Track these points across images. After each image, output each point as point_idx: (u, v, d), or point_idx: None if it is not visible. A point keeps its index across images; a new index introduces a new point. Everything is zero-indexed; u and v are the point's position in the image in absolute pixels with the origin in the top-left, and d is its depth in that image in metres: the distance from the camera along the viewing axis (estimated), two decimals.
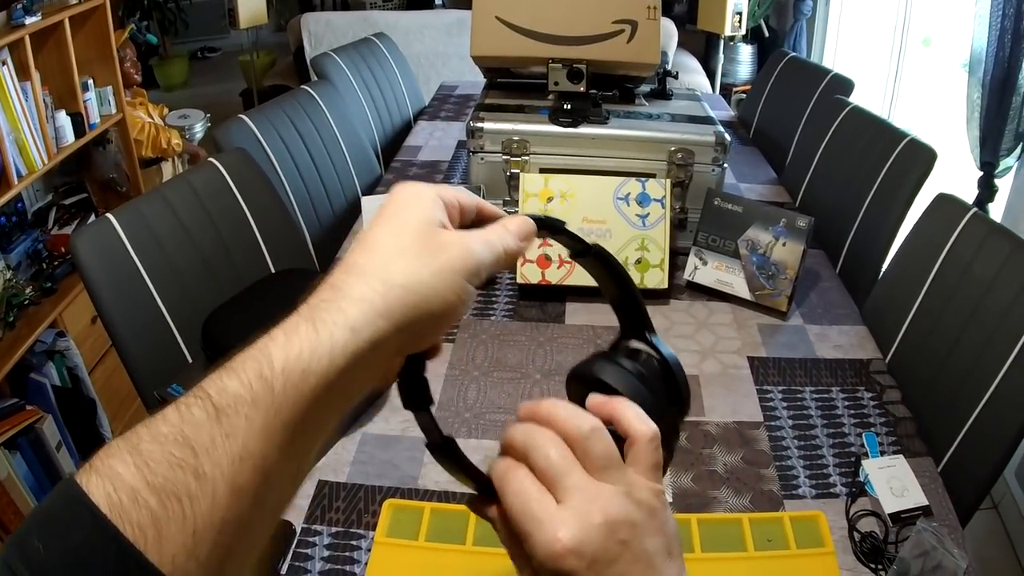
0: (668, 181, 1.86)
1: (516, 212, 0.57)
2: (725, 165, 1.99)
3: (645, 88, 2.29)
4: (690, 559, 1.17)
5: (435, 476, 1.32)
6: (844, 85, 2.77)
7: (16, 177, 2.65)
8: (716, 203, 1.86)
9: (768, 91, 3.21)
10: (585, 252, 0.57)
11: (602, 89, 2.12)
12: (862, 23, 4.90)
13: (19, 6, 2.71)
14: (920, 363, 1.71)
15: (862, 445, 1.41)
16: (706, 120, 2.07)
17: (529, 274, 1.81)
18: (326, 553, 1.19)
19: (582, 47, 2.02)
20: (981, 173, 2.91)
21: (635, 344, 0.61)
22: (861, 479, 1.32)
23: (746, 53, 5.63)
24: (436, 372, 1.59)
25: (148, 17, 7.11)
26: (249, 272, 1.86)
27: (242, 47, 6.68)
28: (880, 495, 1.28)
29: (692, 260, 1.87)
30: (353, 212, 2.55)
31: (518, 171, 1.98)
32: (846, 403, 1.52)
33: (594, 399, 0.53)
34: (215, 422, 0.39)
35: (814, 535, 1.21)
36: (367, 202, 1.92)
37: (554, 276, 1.80)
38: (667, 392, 0.57)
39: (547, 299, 1.84)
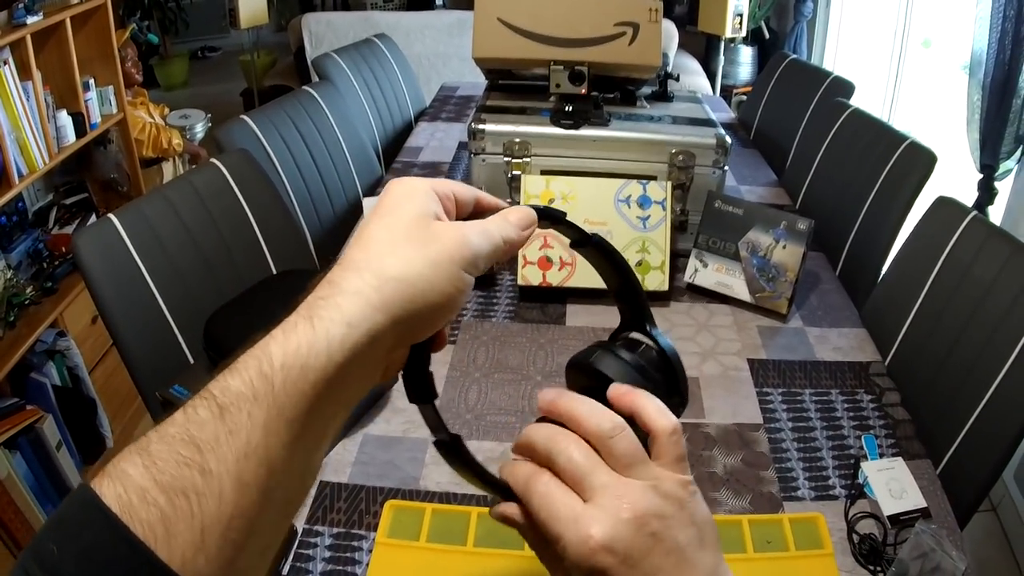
0: (669, 183, 1.86)
1: (514, 203, 0.57)
2: (726, 167, 2.00)
3: (646, 90, 2.29)
4: None
5: (436, 477, 1.32)
6: (844, 87, 2.77)
7: (17, 176, 2.66)
8: (717, 205, 1.86)
9: (768, 93, 3.22)
10: (585, 242, 0.57)
11: (603, 91, 2.12)
12: (862, 25, 4.90)
13: (20, 5, 2.71)
14: (920, 365, 1.72)
15: (861, 447, 1.42)
16: (707, 122, 2.08)
17: (530, 276, 1.81)
18: (327, 554, 1.19)
19: (584, 49, 2.02)
20: (981, 176, 2.92)
21: (634, 335, 0.61)
22: (860, 481, 1.32)
23: (746, 55, 5.63)
24: (437, 373, 1.57)
25: (149, 17, 7.12)
26: (250, 272, 1.87)
27: (242, 47, 6.69)
28: (879, 497, 1.28)
29: (692, 262, 1.88)
30: (354, 213, 2.56)
31: (519, 173, 1.99)
32: (845, 405, 1.53)
33: (615, 391, 0.53)
34: (219, 420, 0.39)
35: (813, 537, 1.21)
36: (368, 203, 1.93)
37: (555, 278, 1.80)
38: (665, 384, 0.57)
39: (548, 301, 1.84)
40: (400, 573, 1.16)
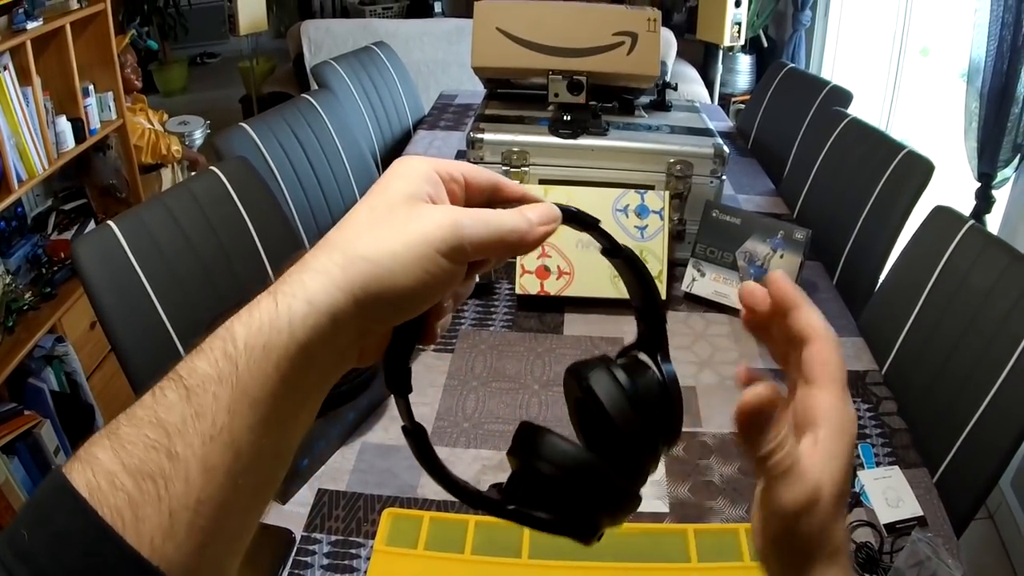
0: (667, 193, 1.87)
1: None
2: (723, 177, 2.00)
3: (644, 99, 2.30)
4: (687, 569, 1.18)
5: (434, 485, 1.31)
6: (842, 96, 2.78)
7: (16, 182, 2.66)
8: (714, 215, 1.87)
9: (767, 102, 3.23)
10: (616, 253, 0.55)
11: (602, 100, 2.13)
12: (861, 33, 4.92)
13: (21, 10, 2.72)
14: (917, 373, 1.72)
15: (858, 456, 1.42)
16: (705, 132, 2.09)
17: (528, 285, 1.81)
18: (325, 561, 1.20)
19: (582, 59, 2.03)
20: (979, 184, 2.93)
21: (642, 356, 0.60)
22: (856, 490, 1.33)
23: (745, 63, 5.64)
24: (435, 382, 1.60)
25: (148, 22, 7.13)
26: (249, 280, 1.87)
27: (241, 53, 6.69)
28: (875, 506, 1.29)
29: (690, 272, 1.88)
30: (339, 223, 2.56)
31: (518, 182, 1.99)
32: None
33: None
34: (186, 402, 0.39)
35: None
36: None
37: (553, 287, 1.81)
38: (659, 417, 0.54)
39: (545, 310, 1.85)
40: None
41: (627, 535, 1.21)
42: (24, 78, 2.74)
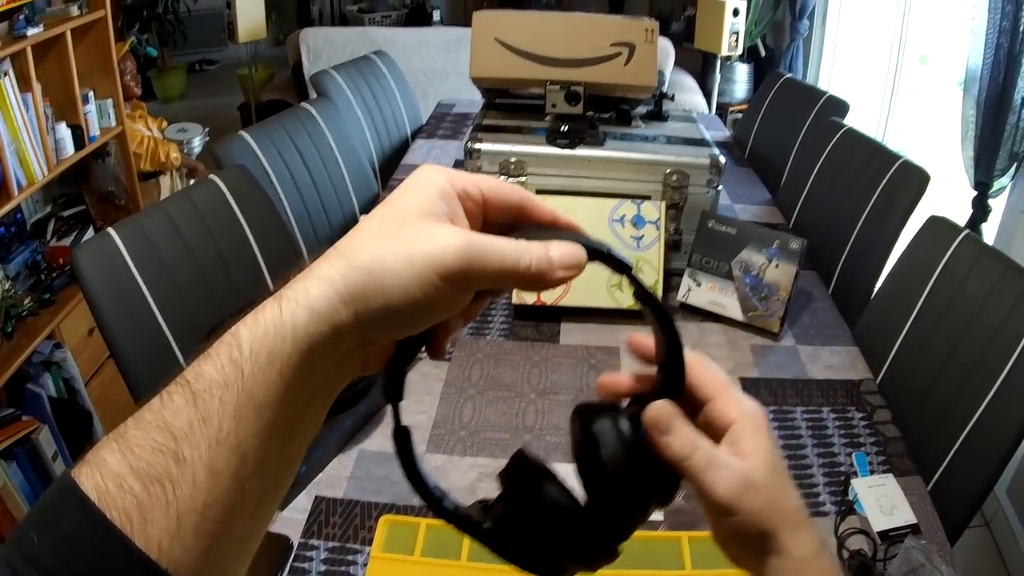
0: (663, 203, 1.88)
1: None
2: (720, 187, 2.02)
3: (642, 109, 2.32)
4: None
5: (448, 505, 1.33)
6: (839, 107, 2.80)
7: (16, 188, 2.67)
8: (710, 225, 1.88)
9: (763, 112, 3.24)
10: (645, 301, 0.53)
11: (599, 111, 2.15)
12: (858, 42, 4.94)
13: (21, 17, 2.73)
14: (912, 381, 1.73)
15: (852, 464, 1.43)
16: (701, 142, 2.10)
17: (524, 294, 1.83)
18: (322, 568, 1.20)
19: (580, 69, 2.05)
20: (975, 193, 2.94)
21: None
22: (850, 498, 1.34)
23: (743, 72, 5.65)
24: (432, 390, 1.61)
25: (147, 29, 7.14)
26: (248, 288, 1.88)
27: (240, 60, 6.70)
28: (869, 513, 1.30)
29: (686, 281, 1.89)
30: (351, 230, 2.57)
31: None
32: (836, 423, 1.55)
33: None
34: (192, 407, 0.39)
35: None
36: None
37: (549, 297, 1.82)
38: (658, 478, 0.53)
39: (542, 319, 1.86)
40: None
41: None
42: (24, 84, 2.75)
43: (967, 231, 1.79)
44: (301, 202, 2.44)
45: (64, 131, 3.02)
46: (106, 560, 0.36)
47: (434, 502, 0.52)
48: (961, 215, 2.95)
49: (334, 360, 0.43)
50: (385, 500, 1.33)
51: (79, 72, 3.11)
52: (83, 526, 0.37)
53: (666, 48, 4.89)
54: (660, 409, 0.52)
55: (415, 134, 3.40)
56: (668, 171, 1.98)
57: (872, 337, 1.88)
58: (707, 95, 5.25)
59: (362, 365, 0.46)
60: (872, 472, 1.41)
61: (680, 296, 1.89)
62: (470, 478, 1.38)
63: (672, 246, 2.02)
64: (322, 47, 4.87)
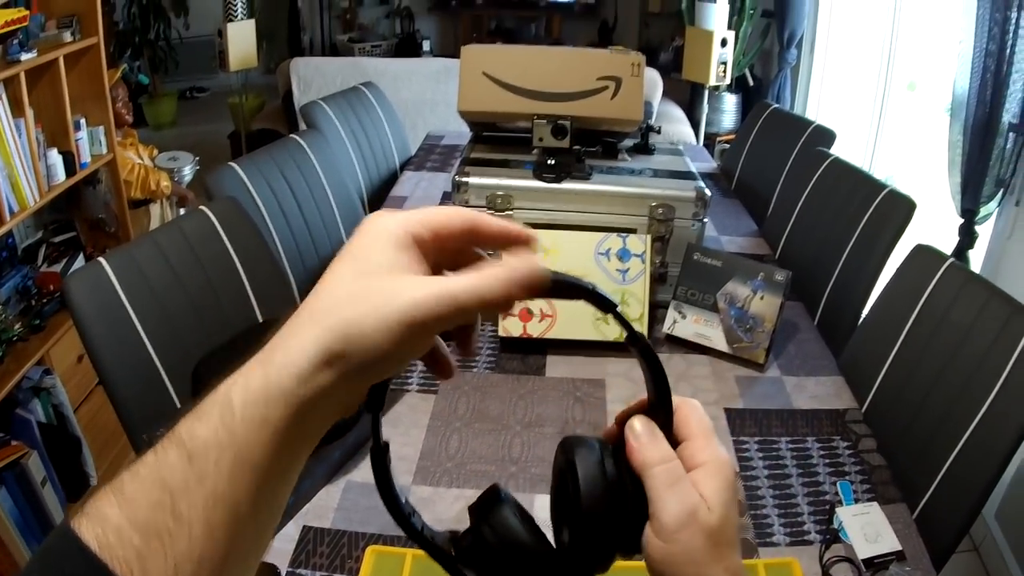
0: (649, 236, 1.90)
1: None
2: (705, 219, 2.04)
3: (628, 142, 2.34)
4: None
5: (416, 523, 1.34)
6: (825, 136, 2.83)
7: (8, 213, 2.67)
8: (696, 257, 1.90)
9: (751, 142, 3.28)
10: (635, 342, 0.54)
11: (586, 144, 2.17)
12: (846, 70, 4.99)
13: (15, 41, 2.73)
14: (898, 410, 1.75)
15: (836, 493, 1.44)
16: (687, 175, 2.12)
17: (510, 327, 1.84)
18: None
19: (567, 103, 2.07)
20: (962, 220, 2.96)
21: None
22: (835, 526, 1.35)
23: (730, 103, 5.69)
24: (419, 422, 1.62)
25: (139, 55, 7.17)
26: (237, 318, 1.89)
27: (231, 88, 6.73)
28: (854, 541, 1.31)
29: (671, 314, 1.91)
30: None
31: (497, 218, 2.01)
32: (821, 452, 1.56)
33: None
34: (188, 465, 0.40)
35: None
36: None
37: (535, 329, 1.83)
38: (633, 515, 0.53)
39: (528, 352, 1.87)
40: None
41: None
42: (17, 110, 2.76)
43: (952, 259, 1.81)
44: (290, 233, 2.46)
45: (56, 157, 3.02)
46: None
47: (403, 519, 0.54)
48: (948, 242, 2.98)
49: (324, 414, 0.45)
50: (372, 530, 1.33)
51: (71, 98, 3.11)
52: (85, 574, 0.38)
53: (654, 79, 4.93)
54: (643, 420, 0.56)
55: (404, 166, 3.42)
56: (654, 204, 2.00)
57: (858, 366, 1.90)
58: (695, 125, 5.29)
59: (346, 408, 0.48)
60: (857, 500, 1.42)
61: (666, 328, 1.91)
62: (456, 509, 1.39)
63: (658, 279, 2.04)
64: (312, 76, 4.90)
